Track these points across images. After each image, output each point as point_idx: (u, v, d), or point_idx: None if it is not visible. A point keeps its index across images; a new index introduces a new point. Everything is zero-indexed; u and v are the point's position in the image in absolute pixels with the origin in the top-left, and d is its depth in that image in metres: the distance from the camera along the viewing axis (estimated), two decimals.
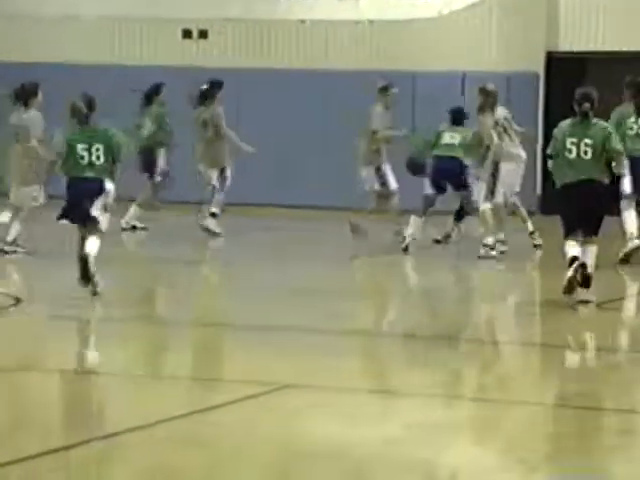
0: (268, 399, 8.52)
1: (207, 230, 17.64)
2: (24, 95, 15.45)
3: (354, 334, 11.26)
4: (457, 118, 16.57)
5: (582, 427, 8.14)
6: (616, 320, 12.76)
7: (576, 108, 12.42)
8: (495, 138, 15.30)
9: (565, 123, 12.56)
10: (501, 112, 15.70)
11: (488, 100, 15.55)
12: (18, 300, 12.63)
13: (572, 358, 11.13)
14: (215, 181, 17.76)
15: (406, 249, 16.10)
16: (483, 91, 15.73)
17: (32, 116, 15.35)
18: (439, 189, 16.21)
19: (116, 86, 19.53)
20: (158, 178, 18.09)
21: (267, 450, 7.17)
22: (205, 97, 17.84)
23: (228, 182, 17.85)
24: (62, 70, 20.37)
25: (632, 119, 14.95)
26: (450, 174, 16.13)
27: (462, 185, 16.08)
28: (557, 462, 7.21)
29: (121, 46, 21.67)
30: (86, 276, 12.43)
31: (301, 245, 18.06)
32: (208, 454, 7.05)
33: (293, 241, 18.51)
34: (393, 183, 16.83)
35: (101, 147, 12.55)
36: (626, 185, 14.72)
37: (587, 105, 12.28)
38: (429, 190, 16.25)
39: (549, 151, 12.75)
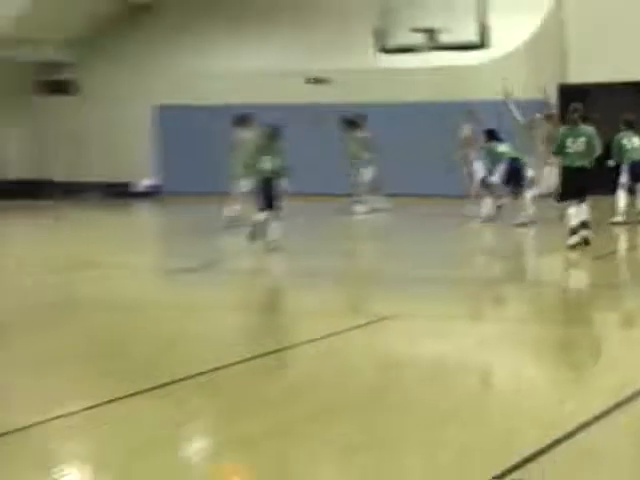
0: (381, 325, 8.52)
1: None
2: (244, 121, 15.80)
3: (442, 280, 11.10)
4: (494, 135, 16.36)
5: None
6: (611, 266, 12.60)
7: (568, 117, 13.02)
8: (540, 148, 15.42)
9: (563, 128, 13.13)
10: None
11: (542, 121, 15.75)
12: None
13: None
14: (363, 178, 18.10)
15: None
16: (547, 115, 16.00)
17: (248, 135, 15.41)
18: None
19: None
20: None
21: (375, 361, 7.23)
22: (354, 124, 18.25)
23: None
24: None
25: (624, 140, 15.43)
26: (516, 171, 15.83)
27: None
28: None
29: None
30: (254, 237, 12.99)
31: (412, 222, 17.83)
32: (339, 364, 7.14)
33: (406, 218, 18.29)
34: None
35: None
36: (623, 177, 15.27)
37: (575, 115, 12.82)
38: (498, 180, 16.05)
39: (553, 150, 13.32)
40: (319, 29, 21.55)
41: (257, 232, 13.12)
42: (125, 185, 22.87)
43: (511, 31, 19.97)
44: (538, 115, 16.35)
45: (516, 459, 4.60)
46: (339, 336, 7.96)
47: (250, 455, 4.97)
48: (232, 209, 15.73)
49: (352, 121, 18.33)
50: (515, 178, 15.72)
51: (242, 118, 15.89)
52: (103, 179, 22.94)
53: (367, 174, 18.15)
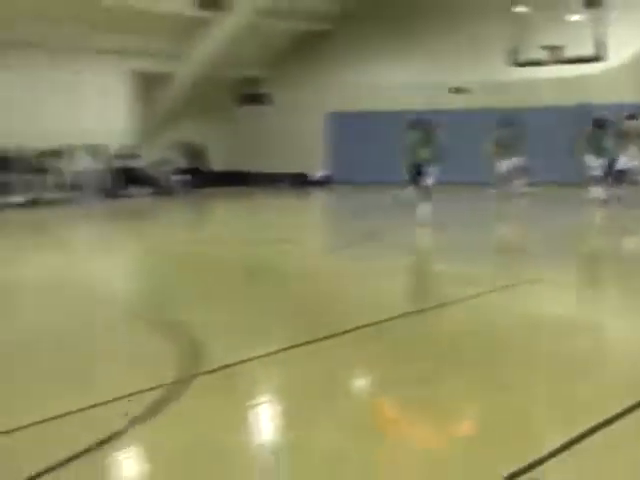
0: (522, 288, 8.20)
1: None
2: (419, 124, 14.32)
3: (572, 253, 10.71)
4: (600, 124, 15.78)
5: None
6: None
7: None
8: None
9: None
10: None
11: None
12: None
13: None
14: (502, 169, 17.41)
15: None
16: None
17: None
18: None
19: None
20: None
21: (515, 318, 6.89)
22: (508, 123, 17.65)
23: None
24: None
25: None
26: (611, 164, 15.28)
27: None
28: None
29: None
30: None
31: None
32: (484, 320, 6.87)
33: (540, 201, 17.24)
34: None
35: None
36: None
37: None
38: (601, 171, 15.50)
39: None
40: (463, 48, 21.36)
41: (422, 219, 12.98)
42: (304, 175, 23.17)
43: (624, 44, 19.22)
44: (625, 113, 15.63)
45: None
46: (485, 296, 7.73)
47: (406, 394, 4.88)
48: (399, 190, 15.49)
49: (504, 121, 17.82)
50: (612, 169, 15.16)
51: (414, 121, 15.37)
52: (288, 170, 23.36)
53: (505, 166, 17.68)
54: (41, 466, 3.65)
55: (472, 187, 18.99)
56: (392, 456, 3.90)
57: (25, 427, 4.21)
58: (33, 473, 3.59)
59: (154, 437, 4.17)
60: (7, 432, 4.13)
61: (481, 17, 21.16)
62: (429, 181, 13.18)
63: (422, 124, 13.74)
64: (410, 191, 14.06)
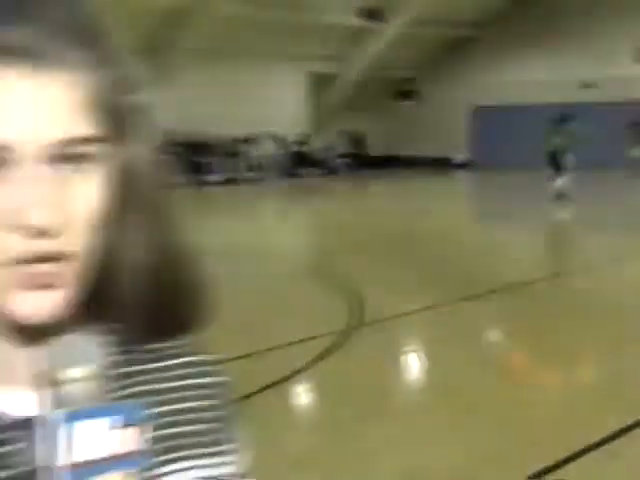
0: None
1: None
2: (566, 118, 13.04)
3: None
4: None
5: None
6: None
7: None
8: None
9: None
10: None
11: None
12: None
13: None
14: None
15: None
16: None
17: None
18: None
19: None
20: None
21: (623, 284, 6.63)
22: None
23: None
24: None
25: None
26: None
27: None
28: None
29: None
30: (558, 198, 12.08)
31: None
32: (599, 286, 6.57)
33: None
34: None
35: None
36: None
37: None
38: None
39: None
40: (593, 47, 20.17)
41: (558, 194, 12.50)
42: (446, 159, 22.87)
43: None
44: None
45: None
46: (615, 263, 7.46)
47: (540, 346, 4.87)
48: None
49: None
50: None
51: (562, 115, 14.30)
52: (432, 154, 23.14)
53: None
54: (253, 389, 4.01)
55: (604, 171, 17.91)
56: (527, 396, 3.98)
57: (242, 357, 4.61)
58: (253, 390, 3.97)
59: (328, 373, 4.46)
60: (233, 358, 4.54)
61: (611, 18, 19.92)
62: (566, 166, 12.63)
63: (566, 117, 13.13)
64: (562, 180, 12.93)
